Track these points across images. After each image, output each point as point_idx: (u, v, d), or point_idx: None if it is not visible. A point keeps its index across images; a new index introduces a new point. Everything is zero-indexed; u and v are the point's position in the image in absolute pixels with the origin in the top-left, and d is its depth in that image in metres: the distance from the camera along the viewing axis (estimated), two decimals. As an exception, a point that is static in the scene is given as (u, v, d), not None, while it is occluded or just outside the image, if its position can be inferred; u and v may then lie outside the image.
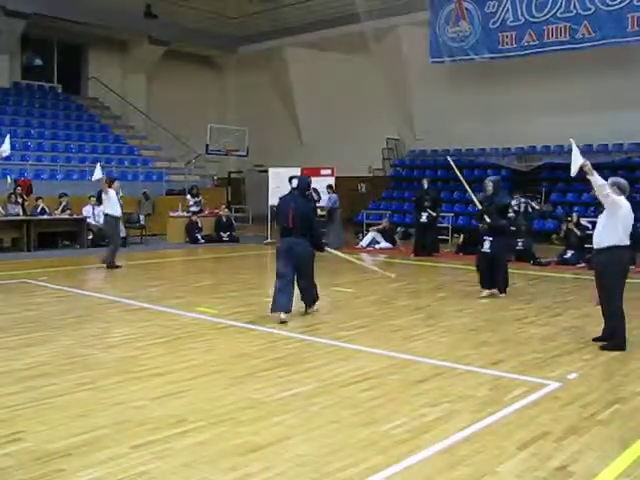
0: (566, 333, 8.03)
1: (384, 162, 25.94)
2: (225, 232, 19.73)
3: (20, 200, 16.66)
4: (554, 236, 18.74)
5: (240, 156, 26.15)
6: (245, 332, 7.93)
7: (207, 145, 24.19)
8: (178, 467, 4.12)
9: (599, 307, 7.38)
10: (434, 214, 16.86)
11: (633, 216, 7.21)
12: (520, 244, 15.36)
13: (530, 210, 16.85)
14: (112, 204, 13.89)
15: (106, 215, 14.08)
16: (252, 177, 29.57)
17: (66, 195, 17.92)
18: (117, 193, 14.08)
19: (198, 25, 27.97)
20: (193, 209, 20.22)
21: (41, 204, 17.15)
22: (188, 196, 20.84)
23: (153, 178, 23.45)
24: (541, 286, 12.19)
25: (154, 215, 20.44)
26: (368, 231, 19.07)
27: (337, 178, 19.03)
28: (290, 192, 9.20)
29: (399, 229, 20.61)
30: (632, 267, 10.30)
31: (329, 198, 18.40)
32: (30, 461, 4.16)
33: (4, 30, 23.61)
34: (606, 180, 7.19)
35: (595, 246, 7.30)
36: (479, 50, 21.78)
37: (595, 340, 7.37)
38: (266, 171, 20.85)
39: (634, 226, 7.30)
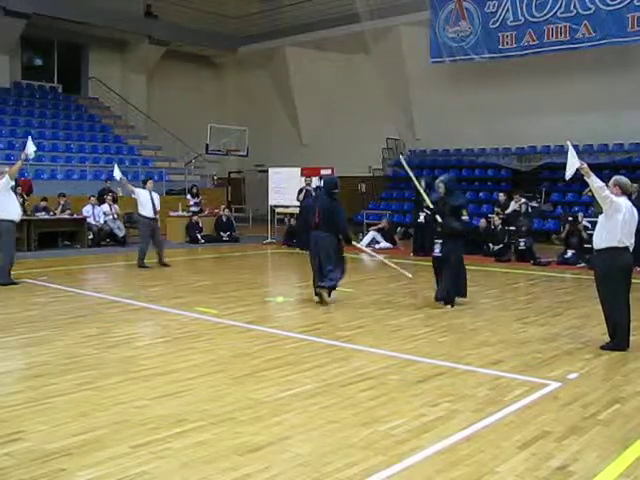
0: (566, 333, 8.02)
1: (384, 162, 25.93)
2: (225, 232, 19.73)
3: (20, 200, 16.64)
4: (554, 236, 18.76)
5: (240, 156, 26.13)
6: (245, 332, 7.93)
7: (207, 145, 24.17)
8: (178, 467, 4.12)
9: (599, 307, 7.37)
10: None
11: (637, 216, 7.17)
12: (522, 244, 15.37)
13: (530, 210, 16.84)
14: (141, 204, 13.81)
15: (139, 215, 14.04)
16: (252, 177, 29.59)
17: (64, 195, 17.92)
18: (150, 192, 13.89)
19: (198, 25, 28.01)
20: (193, 209, 20.23)
21: (44, 204, 17.13)
22: (188, 196, 20.85)
23: (153, 178, 23.34)
24: (541, 286, 12.18)
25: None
26: (368, 231, 19.06)
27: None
28: (317, 192, 9.77)
29: (399, 229, 20.61)
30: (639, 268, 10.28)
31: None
32: (30, 461, 4.15)
33: (4, 30, 23.62)
34: (608, 180, 7.17)
35: (594, 247, 7.29)
36: (479, 50, 21.80)
37: (603, 348, 7.22)
38: (266, 171, 20.85)
39: None
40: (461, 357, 6.82)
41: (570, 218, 15.71)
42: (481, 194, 22.51)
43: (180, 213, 20.19)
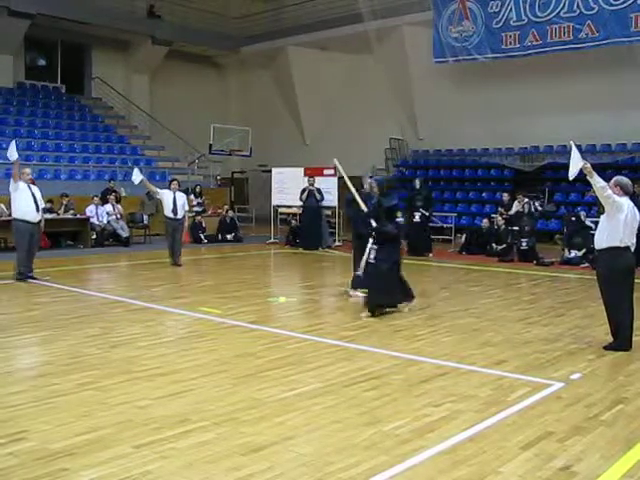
0: (570, 333, 8.01)
1: (387, 162, 25.92)
2: (230, 233, 19.74)
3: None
4: (557, 236, 18.74)
5: (243, 156, 26.15)
6: (248, 332, 7.93)
7: (210, 145, 24.20)
8: (181, 467, 4.12)
9: (603, 308, 7.37)
10: (427, 214, 16.88)
11: (639, 217, 7.16)
12: (524, 244, 15.36)
13: (533, 210, 16.84)
14: (165, 205, 14.04)
15: (164, 215, 14.25)
16: (255, 177, 29.60)
17: (67, 195, 17.95)
18: (174, 192, 14.08)
19: (201, 25, 28.03)
20: (196, 209, 20.23)
21: (49, 205, 17.14)
22: (191, 196, 20.86)
23: (156, 178, 23.41)
24: (544, 286, 12.17)
25: (157, 215, 20.43)
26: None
27: (340, 178, 19.00)
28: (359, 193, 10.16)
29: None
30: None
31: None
32: (33, 460, 4.16)
33: (8, 30, 23.66)
34: (609, 180, 7.17)
35: (596, 247, 7.29)
36: (482, 50, 21.77)
37: (606, 348, 7.22)
38: (269, 171, 20.86)
39: None
40: (464, 357, 6.82)
41: (573, 218, 15.68)
42: (484, 194, 22.51)
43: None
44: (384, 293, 8.97)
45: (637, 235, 7.19)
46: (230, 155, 25.72)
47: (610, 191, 6.95)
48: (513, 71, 21.64)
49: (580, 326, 8.45)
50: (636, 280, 7.26)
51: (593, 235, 7.56)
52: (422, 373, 6.24)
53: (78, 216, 17.64)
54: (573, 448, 4.49)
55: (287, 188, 19.24)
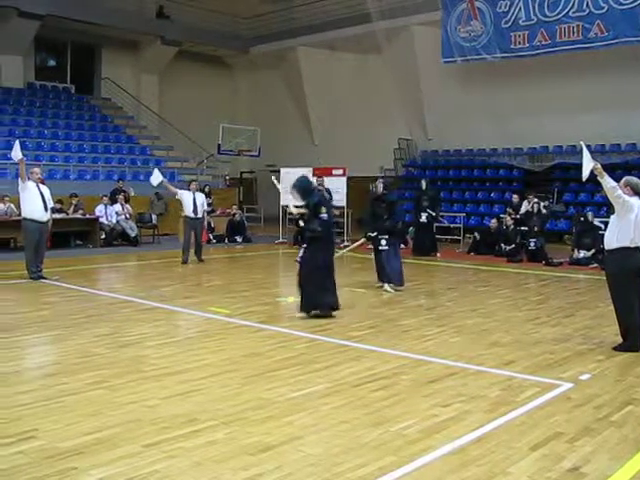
0: (579, 334, 7.99)
1: (396, 162, 25.90)
2: (239, 234, 19.74)
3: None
4: (566, 236, 18.69)
5: (252, 156, 26.18)
6: (257, 332, 7.94)
7: (219, 145, 24.24)
8: (189, 466, 4.12)
9: (612, 308, 7.34)
10: (434, 214, 16.88)
11: None
12: (532, 244, 15.33)
13: (543, 210, 16.79)
14: (184, 205, 14.62)
15: (184, 215, 14.78)
16: (264, 177, 29.62)
17: (77, 195, 18.01)
18: (194, 193, 14.68)
19: (210, 25, 28.10)
20: (205, 209, 20.22)
21: (58, 205, 17.21)
22: (200, 196, 20.87)
23: (166, 178, 23.51)
24: (553, 286, 12.14)
25: (166, 215, 20.50)
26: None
27: (349, 178, 19.02)
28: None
29: (411, 229, 20.55)
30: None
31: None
32: (42, 459, 4.17)
33: (18, 31, 23.78)
34: (619, 180, 7.14)
35: (606, 247, 7.26)
36: (491, 50, 21.75)
37: (616, 349, 7.19)
38: (278, 171, 20.87)
39: None
40: (473, 357, 6.80)
41: (582, 218, 15.64)
42: (493, 194, 22.47)
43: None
44: (312, 294, 8.71)
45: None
46: (239, 155, 25.75)
47: (620, 191, 6.93)
48: (522, 71, 21.60)
49: (589, 326, 8.42)
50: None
51: (602, 235, 7.54)
52: (431, 373, 6.23)
53: (87, 216, 17.70)
54: (582, 449, 4.47)
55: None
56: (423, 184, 17.39)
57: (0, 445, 4.37)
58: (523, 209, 16.90)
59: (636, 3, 18.66)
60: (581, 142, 7.83)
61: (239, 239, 19.62)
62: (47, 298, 10.06)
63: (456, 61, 22.76)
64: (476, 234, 17.69)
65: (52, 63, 28.45)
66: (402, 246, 17.93)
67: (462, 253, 17.25)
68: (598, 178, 6.92)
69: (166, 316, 8.78)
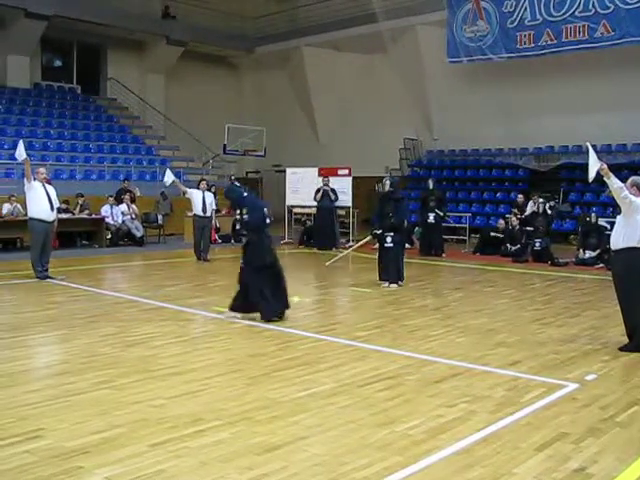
0: (585, 334, 7.97)
1: (401, 162, 25.89)
2: (245, 235, 19.72)
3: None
4: (572, 236, 18.65)
5: (258, 156, 26.19)
6: (262, 332, 7.95)
7: (225, 145, 24.26)
8: (194, 466, 4.13)
9: (618, 308, 7.32)
10: (441, 214, 16.87)
11: None
12: (537, 244, 15.31)
13: (548, 211, 16.77)
14: (194, 204, 14.93)
15: (194, 214, 15.08)
16: (269, 177, 29.64)
17: (82, 195, 18.05)
18: (203, 192, 14.98)
19: (215, 25, 28.13)
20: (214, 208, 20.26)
21: (64, 205, 17.27)
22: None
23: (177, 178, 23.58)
24: (559, 287, 12.12)
25: (172, 215, 20.53)
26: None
27: (354, 178, 19.02)
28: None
29: (417, 229, 20.55)
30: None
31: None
32: (49, 458, 4.19)
33: (25, 32, 23.86)
34: (625, 181, 7.13)
35: (612, 247, 7.25)
36: (497, 50, 21.73)
37: (622, 349, 7.17)
38: (283, 171, 20.89)
39: None
40: (478, 358, 6.80)
41: (588, 219, 15.62)
42: (498, 194, 22.43)
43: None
44: (250, 298, 8.47)
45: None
46: (244, 155, 25.77)
47: (627, 192, 6.92)
48: (528, 71, 21.56)
49: (595, 327, 8.40)
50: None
51: (608, 236, 7.52)
52: (436, 373, 6.23)
53: (93, 216, 17.74)
54: (588, 450, 4.46)
55: (301, 188, 19.24)
56: (430, 184, 17.38)
57: (7, 444, 4.39)
58: (528, 209, 16.87)
59: (642, 3, 18.63)
60: (587, 143, 7.81)
61: (245, 239, 19.61)
62: (53, 298, 10.09)
63: (462, 61, 22.74)
64: (473, 235, 17.68)
65: (58, 63, 28.53)
66: (407, 246, 18.07)
67: (467, 253, 17.23)
68: (604, 179, 6.91)
69: (172, 316, 8.79)
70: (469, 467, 4.16)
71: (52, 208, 11.68)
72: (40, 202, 11.54)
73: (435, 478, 4.05)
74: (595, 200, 19.41)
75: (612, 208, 16.88)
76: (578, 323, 8.65)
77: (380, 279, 11.42)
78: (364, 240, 13.39)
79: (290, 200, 19.80)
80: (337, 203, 18.21)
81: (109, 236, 17.80)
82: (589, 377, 6.14)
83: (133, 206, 18.55)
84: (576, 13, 19.88)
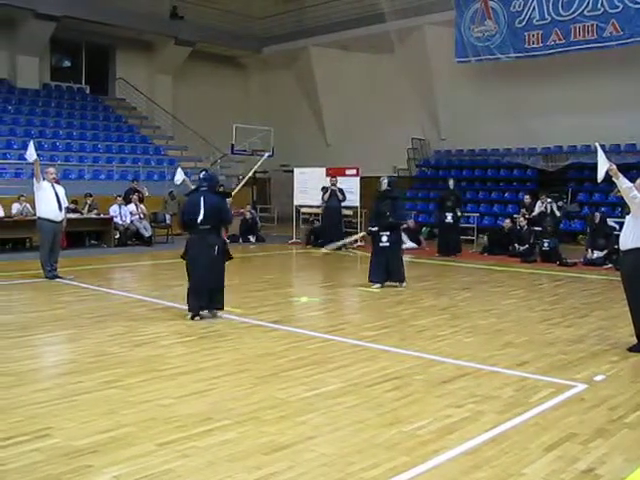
0: (593, 334, 7.95)
1: (409, 162, 25.86)
2: (252, 234, 19.79)
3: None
4: (581, 236, 18.60)
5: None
6: (270, 331, 7.95)
7: (233, 145, 24.28)
8: (202, 465, 4.14)
9: (627, 309, 7.30)
10: (459, 214, 16.85)
11: None
12: (545, 244, 15.27)
13: (556, 211, 16.71)
14: None
15: None
16: (277, 177, 29.65)
17: (91, 195, 18.11)
18: None
19: (223, 26, 28.18)
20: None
21: (73, 205, 17.32)
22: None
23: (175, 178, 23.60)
24: (567, 287, 12.08)
25: (180, 215, 20.52)
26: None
27: (362, 178, 19.01)
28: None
29: (424, 229, 20.55)
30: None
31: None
32: (58, 457, 4.20)
33: (35, 33, 23.97)
34: (634, 181, 7.10)
35: (621, 247, 7.22)
36: (505, 49, 21.68)
37: (630, 350, 7.15)
38: (291, 171, 20.89)
39: None
40: (486, 358, 6.79)
41: (596, 219, 15.56)
42: (506, 194, 22.38)
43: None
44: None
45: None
46: (252, 155, 25.78)
47: (636, 192, 6.89)
48: (536, 70, 21.51)
49: (604, 327, 8.38)
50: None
51: (617, 236, 7.50)
52: (444, 374, 6.22)
53: (102, 216, 17.80)
54: (596, 450, 4.45)
55: (309, 188, 19.26)
56: (451, 184, 17.29)
57: (16, 443, 4.41)
58: (537, 209, 16.82)
59: (651, 2, 18.55)
60: (596, 143, 7.79)
61: (252, 239, 19.66)
62: (62, 297, 10.12)
63: (470, 61, 22.70)
64: (481, 235, 17.64)
65: (67, 64, 28.63)
66: (415, 246, 18.07)
67: (475, 253, 17.20)
68: (613, 179, 6.89)
69: (180, 315, 8.80)
70: (477, 467, 4.16)
71: (60, 208, 11.73)
72: (49, 202, 11.59)
73: (443, 478, 4.04)
74: (603, 200, 19.35)
75: (621, 208, 16.83)
76: (586, 323, 8.63)
77: (370, 280, 11.32)
78: (359, 235, 13.40)
79: (298, 200, 19.82)
80: (345, 203, 18.20)
81: (117, 236, 17.85)
82: (598, 378, 6.12)
83: (141, 206, 18.60)
84: (585, 12, 19.82)
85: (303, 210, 20.35)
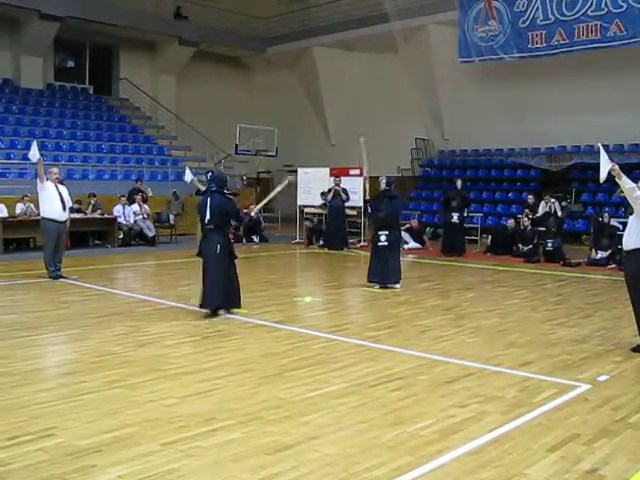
0: (596, 335, 7.95)
1: (413, 162, 25.85)
2: (256, 234, 19.80)
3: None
4: (584, 237, 18.57)
5: (269, 156, 26.22)
6: (274, 331, 7.96)
7: (236, 145, 24.30)
8: (206, 465, 4.15)
9: (630, 309, 7.29)
10: (466, 214, 16.84)
11: None
12: (549, 245, 15.26)
13: (558, 212, 16.69)
14: None
15: None
16: (281, 177, 29.61)
17: (95, 195, 18.14)
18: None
19: (227, 26, 28.21)
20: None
21: (77, 205, 17.35)
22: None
23: (183, 178, 23.59)
24: (571, 287, 12.07)
25: (184, 215, 20.58)
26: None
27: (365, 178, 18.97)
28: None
29: (428, 229, 20.54)
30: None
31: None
32: (62, 456, 4.21)
33: (39, 33, 24.02)
34: (638, 181, 7.09)
35: (624, 248, 7.22)
36: (508, 49, 21.67)
37: (634, 350, 7.15)
38: (295, 171, 20.90)
39: None
40: (490, 358, 6.79)
41: (600, 219, 15.56)
42: (510, 194, 22.37)
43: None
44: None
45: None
46: (256, 155, 25.81)
47: (639, 192, 6.88)
48: (540, 70, 21.48)
49: (607, 327, 8.37)
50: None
51: (620, 236, 7.49)
52: (447, 374, 6.22)
53: (105, 216, 17.83)
54: (600, 451, 4.45)
55: (313, 188, 19.26)
56: (459, 184, 17.27)
57: (21, 442, 4.43)
58: (540, 209, 16.80)
59: (655, 2, 18.52)
60: (598, 143, 7.79)
61: (256, 239, 19.67)
62: (66, 297, 10.14)
63: (473, 61, 22.70)
64: (484, 235, 17.63)
65: (71, 64, 28.67)
66: (419, 246, 18.08)
67: (479, 253, 17.19)
68: (616, 179, 6.88)
69: (184, 315, 8.82)
70: (480, 468, 4.16)
71: (64, 208, 11.75)
72: (52, 202, 11.61)
73: (446, 478, 4.05)
74: (607, 200, 19.32)
75: (624, 208, 16.79)
76: (590, 324, 8.62)
77: (369, 280, 11.34)
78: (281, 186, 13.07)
79: (302, 200, 19.82)
80: (348, 203, 18.20)
81: (121, 236, 17.88)
82: (601, 378, 6.12)
83: (145, 206, 18.62)
84: (588, 12, 19.79)
85: (307, 210, 20.35)
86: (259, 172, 28.04)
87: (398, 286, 11.23)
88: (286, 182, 10.73)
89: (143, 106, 28.05)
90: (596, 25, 19.65)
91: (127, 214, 18.12)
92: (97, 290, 10.82)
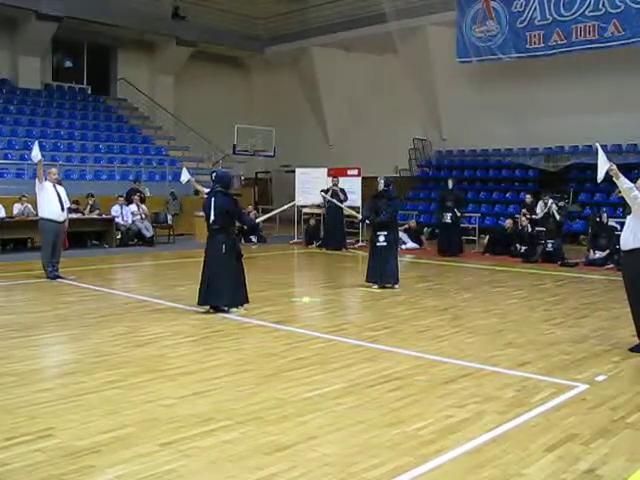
0: (595, 335, 7.95)
1: (410, 162, 25.86)
2: (254, 234, 19.79)
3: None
4: (582, 237, 18.59)
5: (267, 156, 26.22)
6: (272, 332, 7.96)
7: (234, 145, 24.30)
8: (204, 466, 4.15)
9: (628, 309, 7.30)
10: (458, 214, 16.83)
11: None
12: (549, 245, 15.26)
13: (556, 214, 16.68)
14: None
15: None
16: (279, 177, 29.66)
17: (93, 195, 18.13)
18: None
19: (225, 26, 28.18)
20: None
21: (74, 205, 17.34)
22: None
23: (180, 178, 23.59)
24: (569, 287, 12.08)
25: (182, 215, 20.59)
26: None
27: (363, 178, 19.02)
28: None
29: (425, 229, 20.54)
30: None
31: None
32: (60, 457, 4.21)
33: (36, 34, 24.00)
34: (635, 181, 7.10)
35: (622, 248, 7.23)
36: (506, 50, 21.69)
37: (632, 350, 7.15)
38: (293, 171, 20.91)
39: None
40: (488, 358, 6.79)
41: (598, 219, 15.57)
42: (508, 194, 22.38)
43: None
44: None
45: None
46: (254, 155, 25.80)
47: (637, 192, 6.89)
48: (538, 71, 21.50)
49: (605, 327, 8.38)
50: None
51: (618, 236, 7.50)
52: (445, 374, 6.23)
53: (103, 216, 17.81)
54: (598, 451, 4.45)
55: (311, 188, 19.27)
56: (450, 184, 17.31)
57: (19, 443, 4.42)
58: (538, 209, 16.80)
59: (653, 2, 18.54)
60: (596, 143, 7.79)
61: (254, 239, 19.66)
62: (64, 297, 10.14)
63: (471, 61, 22.71)
64: (482, 235, 17.62)
65: (69, 64, 28.62)
66: (417, 246, 18.08)
67: (477, 253, 17.20)
68: (614, 179, 6.89)
69: (182, 316, 8.82)
70: (479, 467, 4.16)
71: (62, 208, 11.75)
72: (51, 202, 11.61)
73: (444, 478, 4.05)
74: (605, 200, 19.33)
75: (622, 208, 16.81)
76: (588, 324, 8.63)
77: (367, 280, 11.35)
78: (290, 204, 13.17)
79: (300, 200, 19.81)
80: (346, 203, 18.19)
81: (119, 236, 17.87)
82: (599, 378, 6.13)
83: (143, 206, 18.61)
84: (586, 13, 19.81)
85: (305, 210, 20.35)
86: (257, 172, 28.05)
87: (397, 287, 11.24)
88: (293, 203, 10.92)
89: (141, 106, 28.03)
90: (594, 25, 19.67)
91: (125, 214, 18.10)
92: (95, 290, 10.81)
